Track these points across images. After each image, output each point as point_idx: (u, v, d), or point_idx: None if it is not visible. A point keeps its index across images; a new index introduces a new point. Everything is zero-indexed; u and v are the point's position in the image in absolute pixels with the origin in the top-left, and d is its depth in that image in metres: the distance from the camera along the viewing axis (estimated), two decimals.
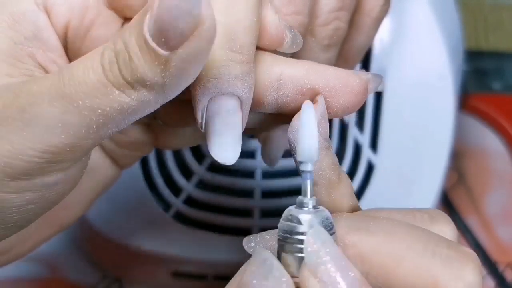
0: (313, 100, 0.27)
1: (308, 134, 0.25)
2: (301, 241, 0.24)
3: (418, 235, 0.25)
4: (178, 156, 0.48)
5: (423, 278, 0.24)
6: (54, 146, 0.24)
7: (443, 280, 0.24)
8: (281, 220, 0.25)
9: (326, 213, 0.25)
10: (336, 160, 0.28)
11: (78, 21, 0.28)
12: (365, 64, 0.47)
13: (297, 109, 0.28)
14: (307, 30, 0.32)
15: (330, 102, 0.27)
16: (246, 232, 0.48)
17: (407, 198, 0.48)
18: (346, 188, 0.28)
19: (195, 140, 0.36)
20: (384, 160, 0.48)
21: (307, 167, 0.25)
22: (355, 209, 0.29)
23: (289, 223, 0.25)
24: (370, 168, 0.48)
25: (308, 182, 0.25)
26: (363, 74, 0.28)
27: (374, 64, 0.47)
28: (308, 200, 0.25)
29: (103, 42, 0.28)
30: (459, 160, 0.61)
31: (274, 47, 0.28)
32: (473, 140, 0.63)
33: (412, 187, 0.48)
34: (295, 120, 0.27)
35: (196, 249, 0.48)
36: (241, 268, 0.26)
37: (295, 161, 0.26)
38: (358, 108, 0.28)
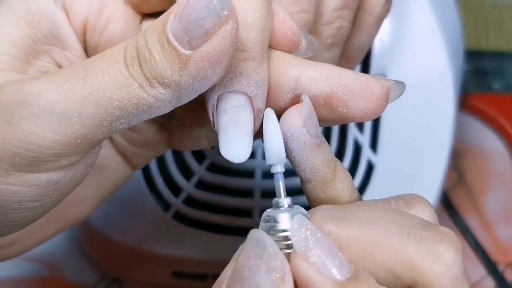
0: (298, 99, 0.27)
1: (272, 138, 0.26)
2: (281, 238, 0.25)
3: (393, 218, 0.26)
4: (178, 156, 0.48)
5: (399, 259, 0.25)
6: (66, 136, 0.24)
7: (419, 260, 0.25)
8: (260, 223, 0.26)
9: (301, 210, 0.26)
10: (332, 156, 0.28)
11: (95, 18, 0.29)
12: (365, 64, 0.47)
13: None
14: (311, 29, 0.32)
15: (349, 106, 0.27)
16: (246, 232, 0.48)
17: None
18: (342, 185, 0.28)
19: (210, 142, 0.36)
20: (384, 160, 0.48)
21: (277, 168, 0.27)
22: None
23: (267, 223, 0.26)
24: (370, 168, 0.48)
25: (280, 183, 0.27)
26: (385, 81, 0.28)
27: (374, 64, 0.47)
28: (283, 200, 0.26)
29: (120, 38, 0.29)
30: (459, 160, 0.61)
31: (289, 52, 0.28)
32: (473, 140, 0.63)
33: (412, 187, 0.48)
34: (282, 123, 0.27)
35: (196, 249, 0.48)
36: (235, 253, 0.26)
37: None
38: (379, 114, 0.28)
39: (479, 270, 0.53)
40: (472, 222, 0.57)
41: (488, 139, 0.63)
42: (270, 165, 0.27)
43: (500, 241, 0.56)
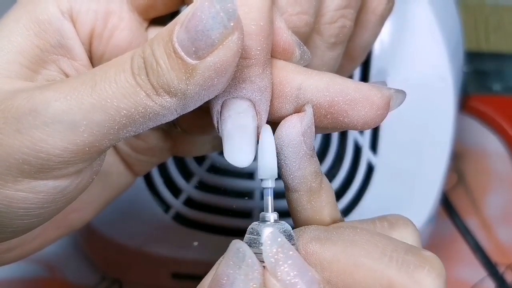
0: (301, 109, 0.28)
1: (267, 154, 0.27)
2: (262, 251, 0.25)
3: (377, 241, 0.26)
4: (178, 157, 0.48)
5: (379, 282, 0.25)
6: (75, 144, 0.25)
7: (398, 284, 0.25)
8: (245, 235, 0.27)
9: (286, 226, 0.27)
10: (319, 168, 0.28)
11: (102, 27, 0.29)
12: (366, 65, 0.47)
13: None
14: (313, 29, 0.32)
15: (350, 115, 0.27)
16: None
17: (407, 200, 0.48)
18: (327, 197, 0.29)
19: (213, 148, 0.36)
20: (384, 162, 0.48)
21: (267, 184, 0.27)
22: (335, 219, 0.29)
23: (250, 235, 0.27)
24: (370, 170, 0.48)
25: (269, 198, 0.27)
26: (385, 89, 0.28)
27: (375, 65, 0.47)
28: (270, 214, 0.27)
29: (126, 46, 0.29)
30: (459, 161, 0.61)
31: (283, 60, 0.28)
32: (473, 141, 0.63)
33: (412, 189, 0.48)
34: (279, 132, 0.27)
35: (196, 250, 0.48)
36: (216, 262, 0.27)
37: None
38: (379, 123, 0.28)
39: (479, 272, 0.53)
40: (472, 223, 0.57)
41: (488, 141, 0.63)
42: (261, 180, 0.27)
43: (500, 243, 0.56)
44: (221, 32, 0.23)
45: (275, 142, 0.27)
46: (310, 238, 0.27)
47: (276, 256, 0.25)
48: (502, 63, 0.70)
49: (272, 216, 0.27)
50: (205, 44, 0.23)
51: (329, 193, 0.29)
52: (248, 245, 0.26)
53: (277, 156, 0.28)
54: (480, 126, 0.64)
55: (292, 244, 0.26)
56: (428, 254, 0.26)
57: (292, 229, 0.28)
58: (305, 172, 0.28)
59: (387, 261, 0.26)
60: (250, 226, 0.27)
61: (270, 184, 0.27)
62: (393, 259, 0.26)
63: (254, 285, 0.24)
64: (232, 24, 0.23)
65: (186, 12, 0.24)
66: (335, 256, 0.26)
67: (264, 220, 0.27)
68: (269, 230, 0.26)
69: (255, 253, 0.25)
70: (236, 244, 0.25)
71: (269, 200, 0.27)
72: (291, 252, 0.25)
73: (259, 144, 0.27)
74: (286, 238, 0.26)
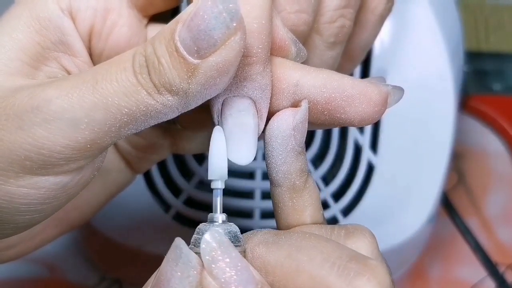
0: (297, 104, 0.28)
1: (217, 155, 0.27)
2: None
3: (322, 248, 0.26)
4: (178, 156, 0.48)
5: None
6: (77, 141, 0.25)
7: None
8: (193, 235, 0.27)
9: (233, 227, 0.27)
10: (306, 168, 0.28)
11: (101, 24, 0.29)
12: (366, 65, 0.47)
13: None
14: (312, 28, 0.32)
15: (347, 111, 0.27)
16: None
17: (407, 200, 0.48)
18: (310, 198, 0.29)
19: None
20: (384, 161, 0.48)
21: (217, 185, 0.27)
22: (317, 223, 0.29)
23: (196, 235, 0.27)
24: (370, 169, 0.48)
25: (218, 199, 0.27)
26: (383, 86, 0.28)
27: (375, 65, 0.47)
28: (218, 215, 0.27)
29: (125, 43, 0.30)
30: (459, 161, 0.61)
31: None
32: (473, 141, 0.63)
33: (412, 189, 0.48)
34: (271, 123, 0.27)
35: None
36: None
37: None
38: (377, 119, 0.28)
39: (479, 272, 0.53)
40: (473, 223, 0.57)
41: (488, 141, 0.63)
42: (211, 180, 0.27)
43: (500, 243, 0.56)
44: (223, 33, 0.23)
45: (265, 132, 0.27)
46: (259, 241, 0.27)
47: (213, 253, 0.24)
48: (502, 63, 0.70)
49: (220, 217, 0.27)
50: (207, 44, 0.23)
51: (313, 195, 0.29)
52: (194, 245, 0.26)
53: (264, 148, 0.28)
54: (480, 126, 0.64)
55: (238, 246, 0.26)
56: (373, 262, 0.26)
57: (278, 229, 0.27)
58: (290, 167, 0.28)
59: (328, 268, 0.25)
60: (197, 227, 0.27)
61: (219, 185, 0.27)
62: (335, 266, 0.25)
63: (190, 283, 0.24)
64: (234, 24, 0.23)
65: (188, 10, 0.24)
66: (279, 261, 0.26)
67: (212, 221, 0.27)
68: (214, 229, 0.26)
69: (198, 253, 0.25)
70: (176, 242, 0.25)
71: (218, 201, 0.27)
72: (229, 250, 0.24)
73: (210, 144, 0.27)
74: (231, 239, 0.26)
